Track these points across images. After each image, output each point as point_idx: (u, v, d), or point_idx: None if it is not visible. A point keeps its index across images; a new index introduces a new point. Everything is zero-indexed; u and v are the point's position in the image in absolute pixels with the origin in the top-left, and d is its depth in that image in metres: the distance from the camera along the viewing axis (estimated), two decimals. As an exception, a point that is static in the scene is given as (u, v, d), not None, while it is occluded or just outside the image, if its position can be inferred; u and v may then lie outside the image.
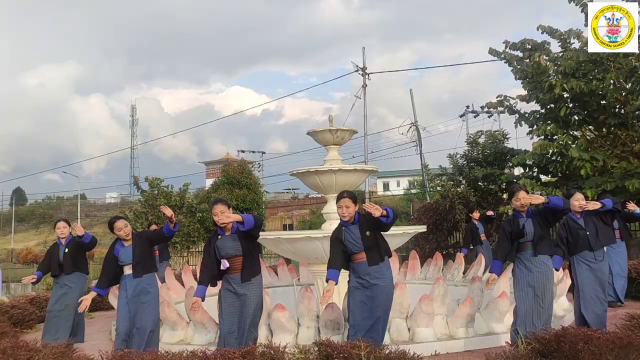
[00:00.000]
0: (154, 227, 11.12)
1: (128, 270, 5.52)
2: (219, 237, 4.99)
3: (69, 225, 6.78)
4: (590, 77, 11.38)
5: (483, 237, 10.78)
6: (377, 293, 4.93)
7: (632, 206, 6.63)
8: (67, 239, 6.74)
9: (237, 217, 4.75)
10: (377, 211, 4.66)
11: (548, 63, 11.84)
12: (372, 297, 4.94)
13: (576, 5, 11.58)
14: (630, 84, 10.91)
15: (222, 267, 4.89)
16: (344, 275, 5.15)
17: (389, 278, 5.04)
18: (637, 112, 10.92)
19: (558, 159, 12.33)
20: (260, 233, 5.37)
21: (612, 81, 10.88)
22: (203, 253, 5.20)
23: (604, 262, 5.75)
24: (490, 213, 11.43)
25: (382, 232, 5.06)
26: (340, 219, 5.16)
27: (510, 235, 5.23)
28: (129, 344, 5.29)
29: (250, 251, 4.96)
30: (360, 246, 4.98)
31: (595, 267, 5.70)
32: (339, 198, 5.14)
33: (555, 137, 11.96)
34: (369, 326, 4.92)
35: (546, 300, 5.17)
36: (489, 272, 5.52)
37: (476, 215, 11.02)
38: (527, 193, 5.34)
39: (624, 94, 10.92)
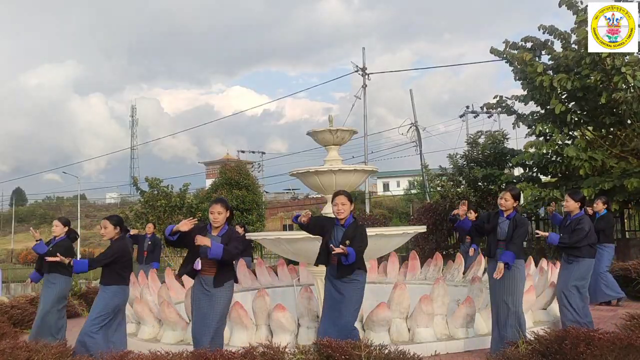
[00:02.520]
0: (150, 225, 11.08)
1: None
2: (207, 234, 5.03)
3: (64, 225, 6.61)
4: (585, 75, 11.31)
5: (469, 238, 10.77)
6: (343, 292, 5.04)
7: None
8: (59, 238, 6.58)
9: (207, 243, 4.76)
10: (339, 250, 4.84)
11: (530, 57, 11.75)
12: (338, 294, 5.05)
13: (568, 9, 11.54)
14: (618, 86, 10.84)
15: (195, 267, 4.93)
16: None
17: (359, 283, 5.10)
18: (632, 111, 10.88)
19: (558, 159, 12.32)
20: (261, 233, 5.39)
21: (598, 81, 10.82)
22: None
23: (573, 263, 6.09)
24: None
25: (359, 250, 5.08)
26: (335, 218, 5.20)
27: (487, 219, 5.55)
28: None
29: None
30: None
31: (565, 266, 6.20)
32: (334, 196, 5.22)
33: (552, 136, 11.92)
34: (334, 322, 5.00)
35: (515, 299, 5.25)
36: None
37: (471, 215, 11.00)
38: (516, 196, 5.50)
39: (612, 95, 10.87)
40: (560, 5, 11.58)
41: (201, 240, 4.75)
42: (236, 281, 5.20)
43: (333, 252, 4.88)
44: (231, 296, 5.09)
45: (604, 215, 8.20)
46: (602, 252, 7.98)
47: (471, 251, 10.29)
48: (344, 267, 5.00)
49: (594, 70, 10.84)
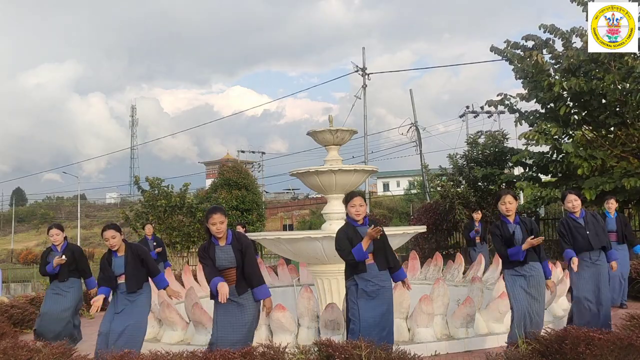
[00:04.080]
0: (148, 227, 11.06)
1: (122, 279, 5.41)
2: (215, 247, 4.85)
3: (62, 231, 6.60)
4: (591, 76, 11.37)
5: (478, 239, 10.72)
6: (381, 293, 4.91)
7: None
8: (62, 246, 6.55)
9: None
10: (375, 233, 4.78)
11: (546, 61, 11.80)
12: (377, 297, 4.90)
13: (577, 5, 11.56)
14: (627, 84, 10.90)
15: None
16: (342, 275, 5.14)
17: (391, 284, 5.05)
18: (637, 112, 10.91)
19: (558, 158, 12.32)
20: (261, 233, 5.33)
21: (612, 81, 10.87)
22: (201, 264, 4.98)
23: (600, 262, 5.80)
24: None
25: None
26: (352, 219, 5.05)
27: (501, 239, 5.20)
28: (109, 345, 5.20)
29: (244, 262, 4.84)
30: (370, 248, 4.90)
31: (592, 266, 5.77)
32: (351, 197, 5.04)
33: (550, 131, 11.89)
34: (379, 323, 4.87)
35: (541, 305, 5.13)
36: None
37: (477, 216, 10.99)
38: (516, 197, 5.33)
39: (624, 93, 10.91)
40: (572, 1, 11.57)
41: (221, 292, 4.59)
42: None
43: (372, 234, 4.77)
44: (259, 304, 4.90)
45: (618, 216, 8.01)
46: (625, 253, 7.82)
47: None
48: (385, 258, 4.93)
49: (602, 69, 10.87)
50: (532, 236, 5.03)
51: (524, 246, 4.98)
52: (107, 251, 5.54)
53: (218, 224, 4.74)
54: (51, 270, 6.45)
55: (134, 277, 5.37)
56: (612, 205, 7.94)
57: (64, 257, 6.45)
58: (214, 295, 4.79)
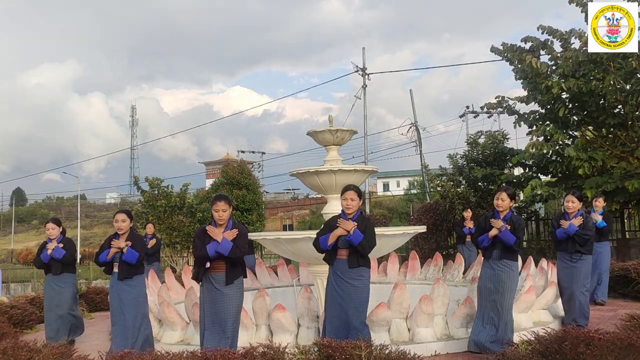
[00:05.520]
0: (150, 226, 11.05)
1: (116, 269, 5.70)
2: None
3: (58, 226, 6.73)
4: (590, 77, 11.37)
5: (469, 238, 10.71)
6: (351, 291, 4.98)
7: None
8: (58, 239, 6.69)
9: (218, 237, 4.79)
10: (346, 226, 4.89)
11: (540, 64, 11.78)
12: (346, 294, 4.98)
13: (576, 5, 11.56)
14: (629, 86, 10.89)
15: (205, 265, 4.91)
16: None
17: (366, 280, 5.05)
18: (637, 113, 10.91)
19: (557, 159, 12.32)
20: (261, 233, 5.35)
21: (611, 82, 10.87)
22: (194, 240, 5.10)
23: (579, 262, 6.31)
24: None
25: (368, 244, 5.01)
26: (342, 211, 5.15)
27: (482, 228, 5.50)
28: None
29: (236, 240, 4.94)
30: (346, 242, 4.98)
31: (571, 265, 6.34)
32: (344, 190, 5.14)
33: (553, 136, 11.92)
34: (343, 322, 4.96)
35: (505, 300, 5.32)
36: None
37: (467, 214, 10.95)
38: (512, 195, 5.48)
39: (623, 94, 10.90)
40: (570, 3, 11.57)
41: (213, 232, 4.76)
42: (245, 276, 5.10)
43: (341, 225, 4.91)
44: (242, 294, 5.03)
45: (604, 213, 8.18)
46: (605, 250, 8.03)
47: (459, 256, 9.94)
48: (354, 257, 4.94)
49: (602, 70, 10.86)
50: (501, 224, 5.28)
51: (491, 233, 5.30)
52: (113, 233, 5.87)
53: (220, 212, 4.88)
54: (45, 257, 6.60)
55: (126, 265, 5.62)
56: (599, 204, 8.17)
57: (61, 245, 6.62)
58: (198, 279, 4.96)
